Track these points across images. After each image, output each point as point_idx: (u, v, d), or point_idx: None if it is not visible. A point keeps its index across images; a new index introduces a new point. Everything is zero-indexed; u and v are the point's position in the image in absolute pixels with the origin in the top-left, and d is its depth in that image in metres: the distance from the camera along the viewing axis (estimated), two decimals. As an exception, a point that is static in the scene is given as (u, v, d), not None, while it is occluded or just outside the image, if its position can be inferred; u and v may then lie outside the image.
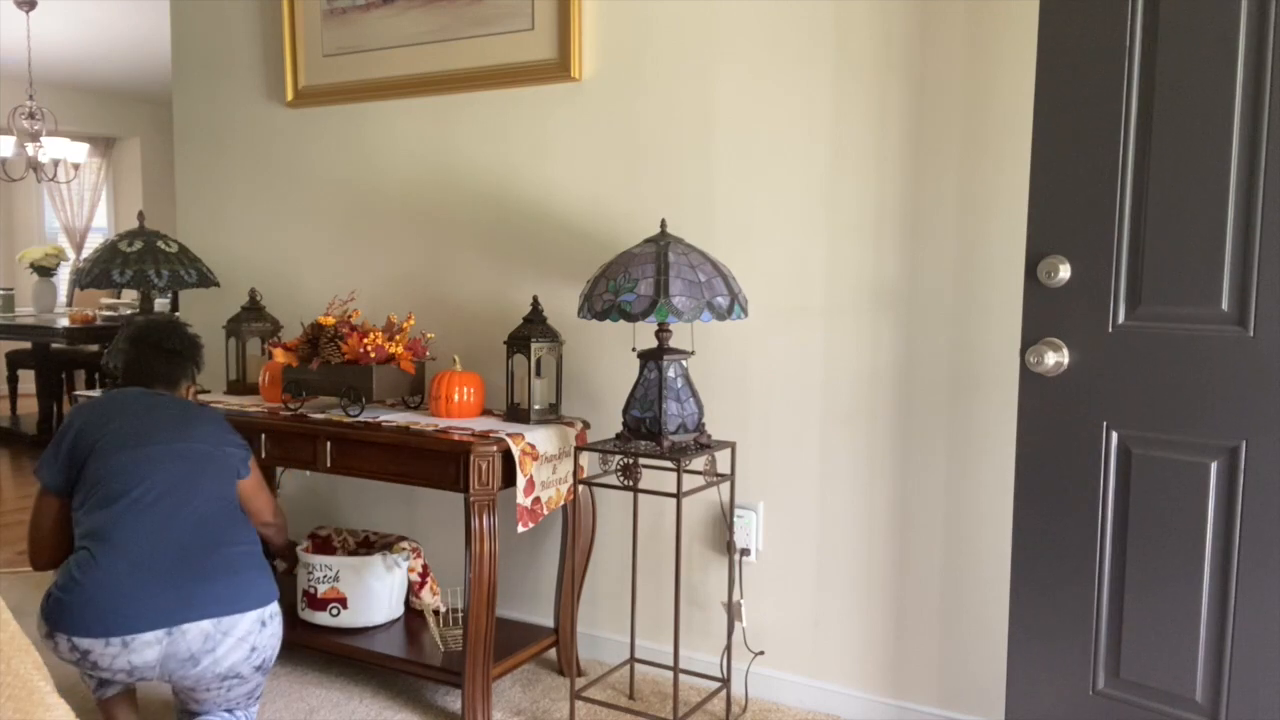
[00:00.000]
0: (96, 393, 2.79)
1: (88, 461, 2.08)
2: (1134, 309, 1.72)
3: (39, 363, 6.06)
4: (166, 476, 2.06)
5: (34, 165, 6.34)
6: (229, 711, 2.11)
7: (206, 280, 3.10)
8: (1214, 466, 1.66)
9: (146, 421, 2.13)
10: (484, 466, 2.33)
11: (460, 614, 2.75)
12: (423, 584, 2.85)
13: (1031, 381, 1.83)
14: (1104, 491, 1.77)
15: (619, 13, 2.67)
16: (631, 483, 2.30)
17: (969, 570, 2.35)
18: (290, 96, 3.20)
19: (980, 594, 2.34)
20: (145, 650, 1.90)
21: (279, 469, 3.17)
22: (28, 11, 5.61)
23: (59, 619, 1.92)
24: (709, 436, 2.36)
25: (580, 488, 2.57)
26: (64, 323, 5.62)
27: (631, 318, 2.18)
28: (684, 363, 2.33)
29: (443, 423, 2.51)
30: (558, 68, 2.72)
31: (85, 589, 1.92)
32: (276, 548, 2.49)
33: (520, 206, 2.86)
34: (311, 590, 2.71)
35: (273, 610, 2.06)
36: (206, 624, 1.93)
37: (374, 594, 2.71)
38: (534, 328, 2.53)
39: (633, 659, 2.62)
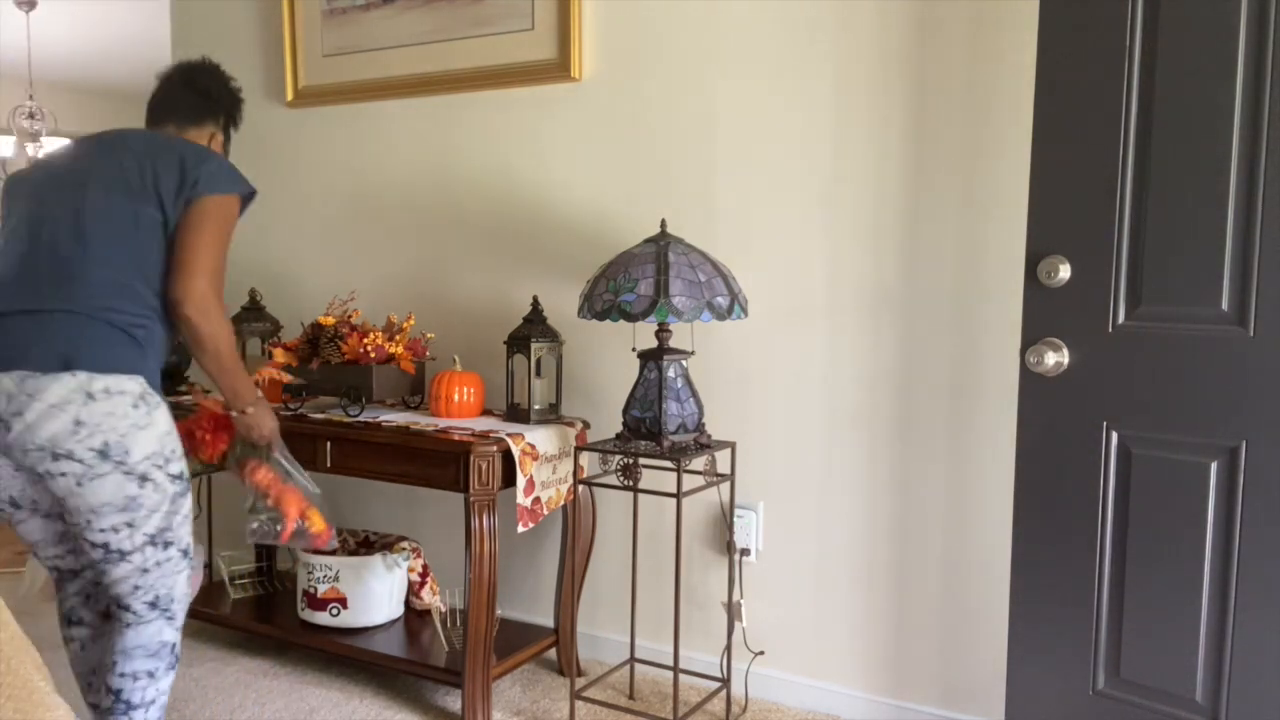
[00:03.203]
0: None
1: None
2: (1134, 309, 1.72)
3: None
4: (48, 205, 1.76)
5: (34, 165, 6.33)
6: (130, 610, 1.80)
7: (206, 280, 3.09)
8: (1214, 466, 1.66)
9: (65, 162, 1.83)
10: (484, 466, 2.33)
11: (460, 614, 2.75)
12: (423, 584, 2.85)
13: (1031, 381, 1.83)
14: (1104, 491, 1.77)
15: (619, 13, 2.67)
16: (631, 483, 2.30)
17: (969, 570, 2.35)
18: (290, 96, 3.20)
19: (980, 594, 2.34)
20: None
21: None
22: (28, 11, 5.61)
23: None
24: (709, 436, 2.36)
25: (580, 488, 2.57)
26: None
27: (631, 318, 2.18)
28: (684, 363, 2.33)
29: (443, 423, 2.51)
30: (558, 68, 2.72)
31: None
32: (211, 377, 1.88)
33: (520, 206, 2.86)
34: (311, 590, 2.71)
35: (113, 385, 1.69)
36: (7, 380, 1.64)
37: (374, 594, 2.71)
38: (534, 328, 2.53)
39: (633, 659, 2.62)
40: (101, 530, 1.74)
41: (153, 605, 1.85)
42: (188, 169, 1.82)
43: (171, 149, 1.85)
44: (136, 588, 1.82)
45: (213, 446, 2.10)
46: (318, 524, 2.10)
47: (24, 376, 1.64)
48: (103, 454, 1.69)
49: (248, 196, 1.92)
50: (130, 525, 1.75)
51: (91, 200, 1.78)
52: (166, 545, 1.82)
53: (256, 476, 2.04)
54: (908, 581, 2.43)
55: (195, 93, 2.02)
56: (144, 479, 1.74)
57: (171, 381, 2.96)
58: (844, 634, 2.51)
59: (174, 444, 1.82)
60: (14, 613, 1.56)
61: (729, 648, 2.55)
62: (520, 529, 2.41)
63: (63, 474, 1.69)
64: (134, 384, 1.73)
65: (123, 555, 1.78)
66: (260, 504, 2.06)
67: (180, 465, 1.84)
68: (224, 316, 1.85)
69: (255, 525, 2.06)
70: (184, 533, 1.86)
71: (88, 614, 2.01)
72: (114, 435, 1.69)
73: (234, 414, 1.96)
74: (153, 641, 1.87)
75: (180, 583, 1.88)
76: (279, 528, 2.06)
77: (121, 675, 1.86)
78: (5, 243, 1.81)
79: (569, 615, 2.69)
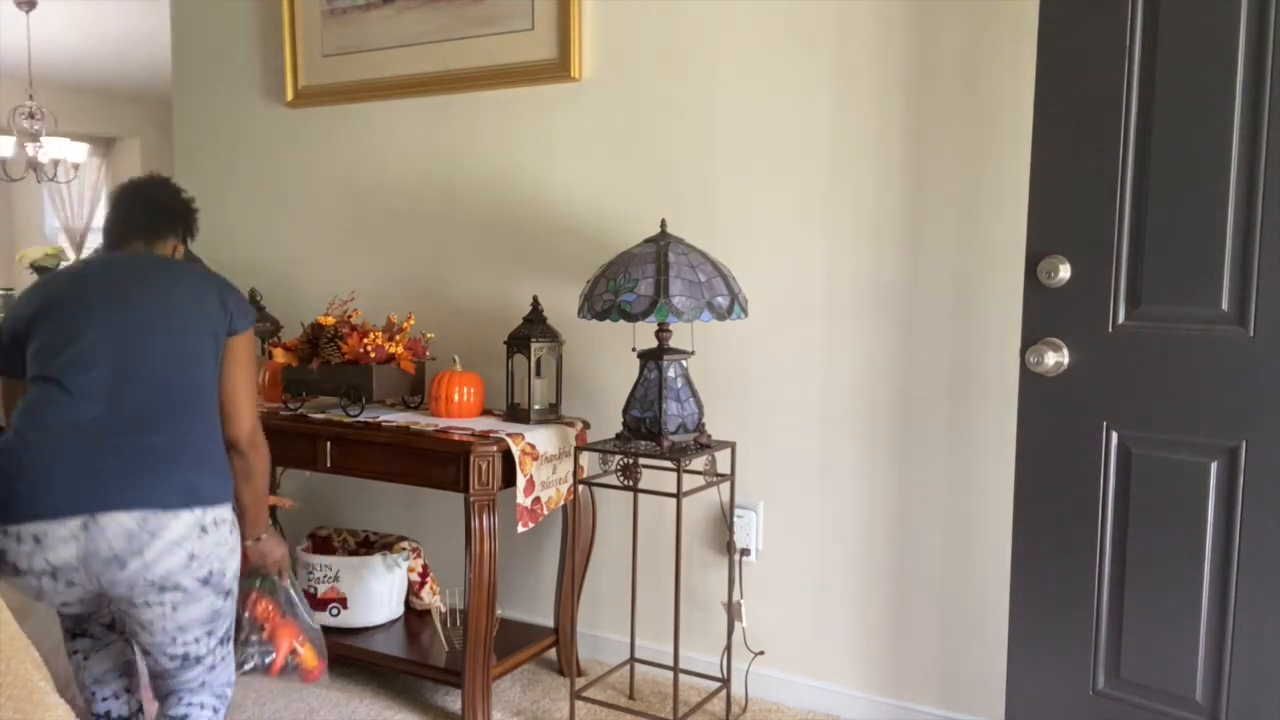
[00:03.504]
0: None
1: (33, 327, 1.77)
2: (1134, 309, 1.72)
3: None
4: (115, 332, 1.74)
5: (34, 165, 6.34)
6: (194, 692, 1.82)
7: (206, 280, 3.10)
8: (1214, 466, 1.66)
9: (99, 281, 1.82)
10: (484, 466, 2.33)
11: (460, 614, 2.74)
12: (423, 584, 2.85)
13: (1031, 381, 1.83)
14: (1104, 491, 1.77)
15: (619, 13, 2.67)
16: (631, 483, 2.30)
17: (969, 570, 2.35)
18: (290, 96, 3.20)
19: (980, 594, 2.34)
20: (60, 547, 1.59)
21: (279, 469, 3.17)
22: (28, 11, 5.61)
23: None
24: (709, 436, 2.36)
25: (580, 488, 2.57)
26: (64, 323, 5.60)
27: (631, 318, 2.18)
28: (684, 363, 2.33)
29: (443, 423, 2.51)
30: (558, 68, 2.72)
31: (1, 471, 1.64)
32: (243, 505, 1.93)
33: (520, 206, 2.86)
34: (311, 590, 2.71)
35: (219, 515, 1.72)
36: (129, 519, 1.60)
37: (374, 594, 2.71)
38: (534, 328, 2.53)
39: (633, 659, 2.62)
40: (184, 644, 1.77)
41: (217, 696, 1.89)
42: (226, 305, 1.88)
43: (209, 283, 1.90)
44: (203, 684, 1.85)
45: None
46: (309, 660, 2.12)
47: (146, 516, 1.63)
48: (205, 581, 1.73)
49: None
50: (210, 634, 1.80)
51: (163, 324, 1.80)
52: (225, 641, 1.87)
53: (257, 609, 2.08)
54: (908, 581, 2.43)
55: (153, 209, 2.02)
56: (228, 594, 1.80)
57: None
58: (844, 634, 2.51)
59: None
60: (13, 612, 1.56)
61: (729, 648, 2.55)
62: (520, 529, 2.41)
63: (161, 603, 1.69)
64: (229, 511, 1.79)
65: (198, 660, 1.81)
66: (255, 636, 2.08)
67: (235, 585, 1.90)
68: (267, 447, 1.97)
69: (245, 658, 2.08)
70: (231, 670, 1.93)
71: (93, 627, 2.00)
72: (217, 563, 1.74)
73: (248, 542, 1.97)
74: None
75: (231, 668, 1.93)
76: (269, 660, 2.08)
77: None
78: (70, 354, 1.74)
79: (569, 615, 2.69)
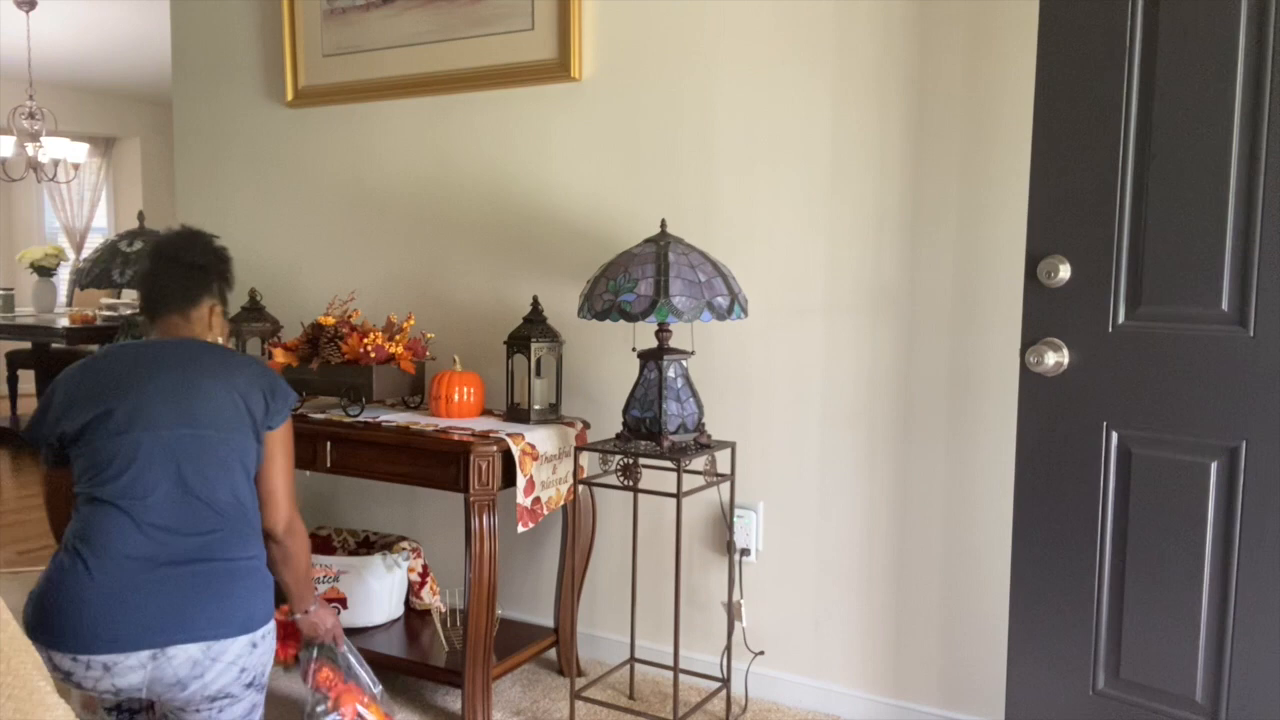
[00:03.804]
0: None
1: (82, 436, 1.80)
2: (1134, 309, 1.72)
3: (39, 363, 6.06)
4: (172, 453, 1.78)
5: (34, 165, 6.34)
6: None
7: (206, 280, 3.09)
8: (1214, 466, 1.66)
9: (150, 391, 1.81)
10: (484, 466, 2.33)
11: (461, 614, 2.74)
12: (423, 584, 2.85)
13: (1031, 381, 1.83)
14: (1104, 491, 1.77)
15: (619, 13, 2.67)
16: (631, 483, 2.30)
17: (969, 570, 2.35)
18: (290, 96, 3.20)
19: (980, 594, 2.34)
20: (129, 674, 1.70)
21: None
22: (28, 11, 5.61)
23: (36, 627, 1.69)
24: (709, 436, 2.36)
25: (580, 488, 2.57)
26: (64, 323, 5.62)
27: (631, 318, 2.18)
28: (684, 363, 2.33)
29: (443, 423, 2.51)
30: (558, 68, 2.72)
31: (62, 598, 1.69)
32: (286, 586, 2.01)
33: (520, 206, 2.86)
34: (311, 590, 2.71)
35: (267, 630, 1.83)
36: (195, 649, 1.71)
37: (374, 594, 2.71)
38: (534, 328, 2.53)
39: (633, 659, 2.62)
40: (206, 716, 1.84)
41: None
42: (271, 400, 1.91)
43: (253, 380, 1.90)
44: None
45: (284, 652, 2.29)
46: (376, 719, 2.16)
47: (209, 645, 1.74)
48: (249, 685, 1.84)
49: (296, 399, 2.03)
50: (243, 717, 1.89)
51: (214, 436, 1.82)
52: None
53: (319, 677, 2.12)
54: (908, 581, 2.43)
55: (186, 270, 1.99)
56: (262, 688, 1.89)
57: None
58: (844, 634, 2.51)
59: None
60: (14, 612, 1.56)
61: (729, 648, 2.55)
62: (520, 529, 2.41)
63: (211, 708, 1.81)
64: (273, 623, 1.88)
65: None
66: (320, 705, 2.11)
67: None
68: (305, 530, 2.00)
69: None
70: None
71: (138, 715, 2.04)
72: (260, 669, 1.85)
73: (297, 616, 2.08)
74: None
75: None
76: None
77: None
78: (138, 494, 1.77)
79: (569, 615, 2.69)
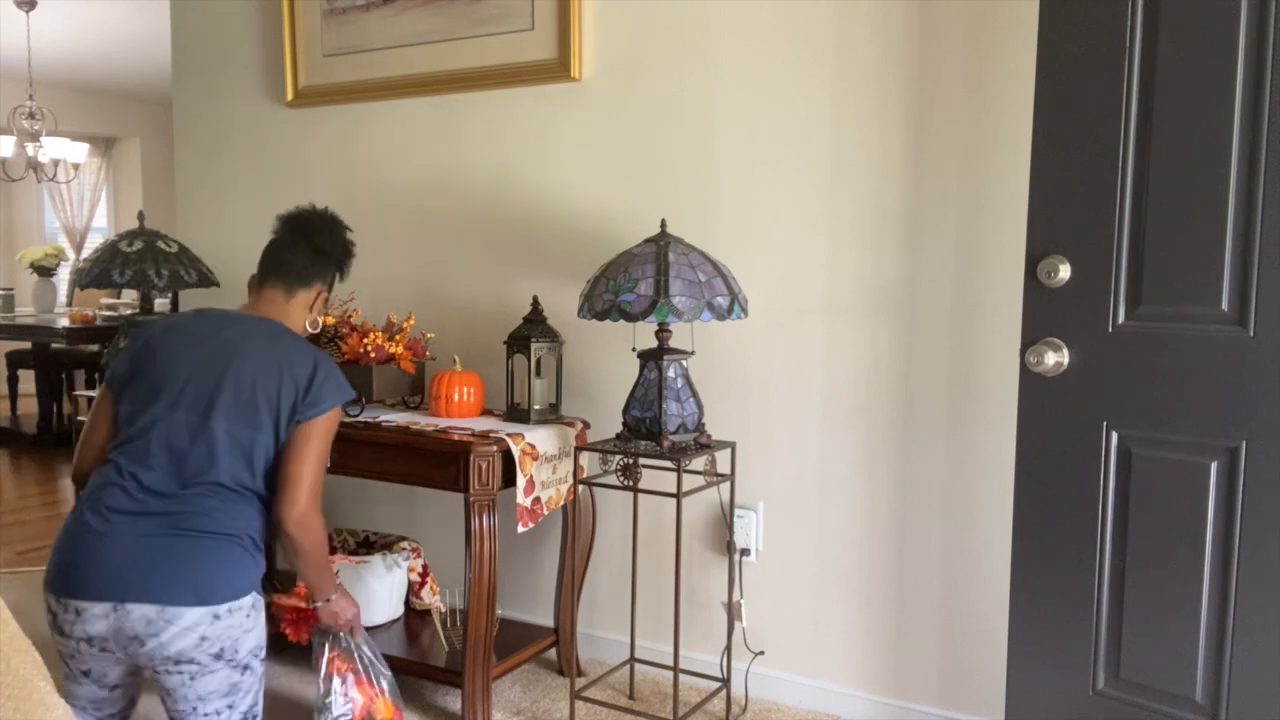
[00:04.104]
0: (94, 393, 2.59)
1: (126, 388, 1.94)
2: (1134, 309, 1.72)
3: (39, 363, 6.06)
4: (180, 423, 1.88)
5: (34, 165, 6.34)
6: None
7: (206, 280, 3.10)
8: (1214, 466, 1.66)
9: (183, 370, 1.92)
10: (484, 466, 2.33)
11: (461, 614, 2.74)
12: (423, 584, 2.85)
13: (1031, 381, 1.83)
14: (1104, 491, 1.77)
15: (619, 13, 2.67)
16: (631, 483, 2.30)
17: (969, 570, 2.35)
18: (290, 96, 3.20)
19: (980, 594, 2.34)
20: (96, 622, 1.80)
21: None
22: (28, 11, 5.61)
23: (48, 570, 1.86)
24: (709, 436, 2.36)
25: (580, 488, 2.57)
26: (64, 323, 5.62)
27: (631, 318, 2.18)
28: (684, 363, 2.33)
29: (443, 423, 2.51)
30: (558, 68, 2.72)
31: (60, 541, 1.86)
32: (302, 576, 2.05)
33: (520, 206, 2.86)
34: (311, 590, 2.71)
35: (234, 606, 1.85)
36: (149, 609, 1.78)
37: (374, 594, 2.71)
38: (534, 328, 2.53)
39: (633, 659, 2.62)
40: (205, 714, 1.89)
41: None
42: (307, 392, 1.94)
43: (288, 372, 1.94)
44: None
45: (296, 635, 2.36)
46: (386, 713, 2.17)
47: (162, 608, 1.79)
48: (218, 656, 1.85)
49: (349, 400, 2.04)
50: (230, 707, 1.91)
51: (219, 429, 1.89)
52: (255, 718, 1.97)
53: (333, 667, 2.14)
54: (908, 581, 2.43)
55: (312, 252, 2.12)
56: (245, 668, 1.90)
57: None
58: (844, 634, 2.51)
59: (265, 633, 1.97)
60: (13, 612, 1.56)
61: (729, 648, 2.55)
62: (520, 529, 2.41)
63: (180, 673, 1.85)
64: (249, 599, 1.89)
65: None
66: (331, 698, 2.13)
67: (264, 648, 1.99)
68: (321, 525, 2.00)
69: (324, 716, 2.13)
70: (261, 701, 2.00)
71: None
72: (229, 642, 1.86)
73: (318, 605, 2.10)
74: None
75: None
76: (347, 718, 2.14)
77: None
78: (137, 443, 1.90)
79: (569, 615, 2.69)
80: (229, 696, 1.90)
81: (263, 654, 1.95)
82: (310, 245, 2.12)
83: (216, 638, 1.84)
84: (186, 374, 1.93)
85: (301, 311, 2.10)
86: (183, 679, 1.85)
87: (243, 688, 1.91)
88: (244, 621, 1.88)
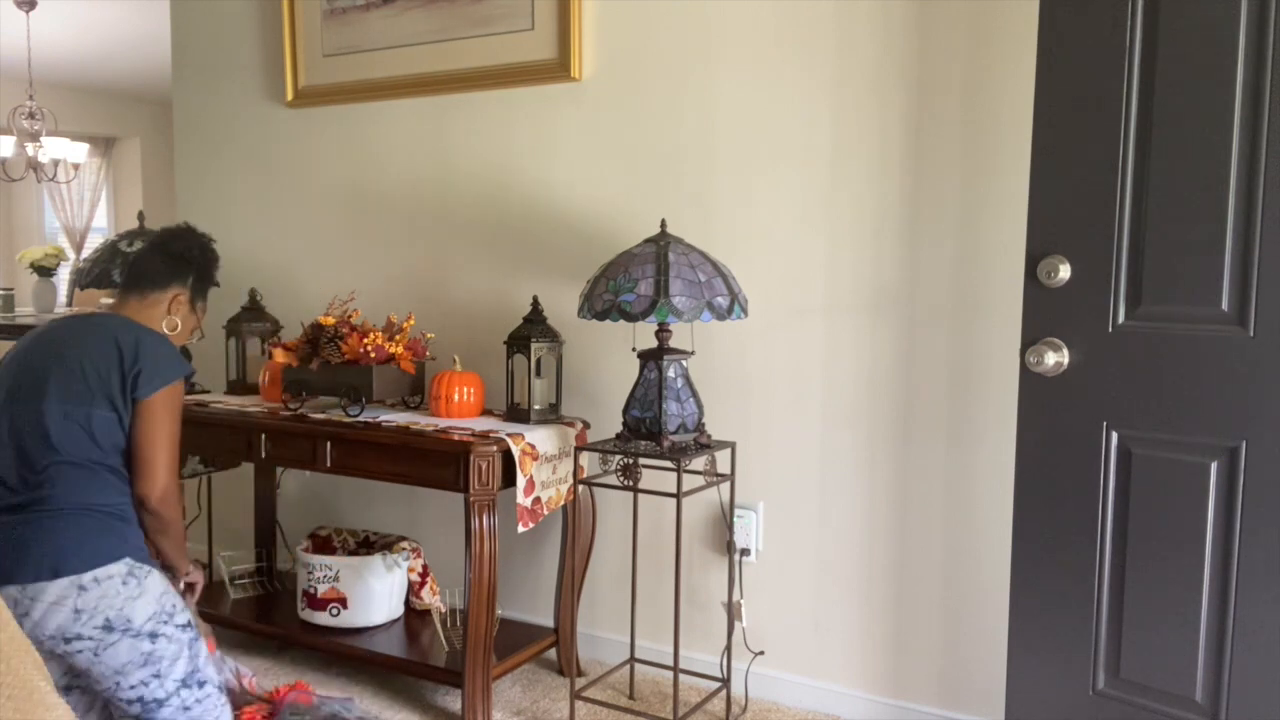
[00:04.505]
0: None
1: None
2: (1134, 309, 1.72)
3: (39, 363, 6.04)
4: (17, 410, 1.95)
5: (34, 165, 6.34)
6: None
7: (206, 280, 3.10)
8: (1214, 466, 1.66)
9: (21, 364, 2.00)
10: (484, 466, 2.33)
11: (460, 614, 2.74)
12: (423, 584, 2.85)
13: (1031, 381, 1.83)
14: (1104, 491, 1.77)
15: (619, 13, 2.67)
16: (631, 483, 2.30)
17: (969, 570, 2.35)
18: (290, 96, 3.20)
19: (980, 594, 2.34)
20: None
21: (279, 469, 3.17)
22: (28, 11, 5.61)
23: None
24: (709, 436, 2.36)
25: (580, 488, 2.57)
26: (64, 323, 5.60)
27: (631, 318, 2.18)
28: (684, 363, 2.33)
29: (443, 423, 2.51)
30: (558, 68, 2.72)
31: None
32: (165, 557, 2.07)
33: (520, 206, 2.86)
34: (311, 590, 2.71)
35: (101, 574, 1.85)
36: (12, 590, 1.82)
37: (374, 594, 2.71)
38: (534, 328, 2.53)
39: (633, 659, 2.62)
40: (131, 688, 1.89)
41: None
42: (126, 369, 1.96)
43: (111, 347, 1.98)
44: None
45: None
46: None
47: (24, 586, 1.82)
48: (108, 628, 1.86)
49: (189, 375, 2.08)
50: (157, 676, 1.91)
51: (51, 408, 1.93)
52: (201, 684, 1.96)
53: None
54: (908, 581, 2.43)
55: (165, 256, 2.15)
56: (153, 636, 1.90)
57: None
58: (844, 634, 2.51)
59: (173, 600, 1.96)
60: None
61: (729, 648, 2.55)
62: (520, 529, 2.41)
63: (79, 651, 1.86)
64: (119, 567, 1.88)
65: (159, 704, 1.92)
66: None
67: (186, 615, 1.98)
68: (180, 501, 2.08)
69: None
70: (206, 667, 2.00)
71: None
72: (113, 611, 1.86)
73: (182, 581, 2.14)
74: None
75: (225, 717, 2.01)
76: None
77: None
78: None
79: (569, 615, 2.69)
80: (148, 667, 1.89)
81: (176, 620, 1.94)
82: (164, 251, 2.16)
83: (92, 609, 1.84)
84: (24, 366, 1.99)
85: (158, 313, 2.11)
86: (86, 656, 1.86)
87: (163, 656, 1.91)
88: (120, 590, 1.87)
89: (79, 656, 1.86)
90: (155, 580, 1.94)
